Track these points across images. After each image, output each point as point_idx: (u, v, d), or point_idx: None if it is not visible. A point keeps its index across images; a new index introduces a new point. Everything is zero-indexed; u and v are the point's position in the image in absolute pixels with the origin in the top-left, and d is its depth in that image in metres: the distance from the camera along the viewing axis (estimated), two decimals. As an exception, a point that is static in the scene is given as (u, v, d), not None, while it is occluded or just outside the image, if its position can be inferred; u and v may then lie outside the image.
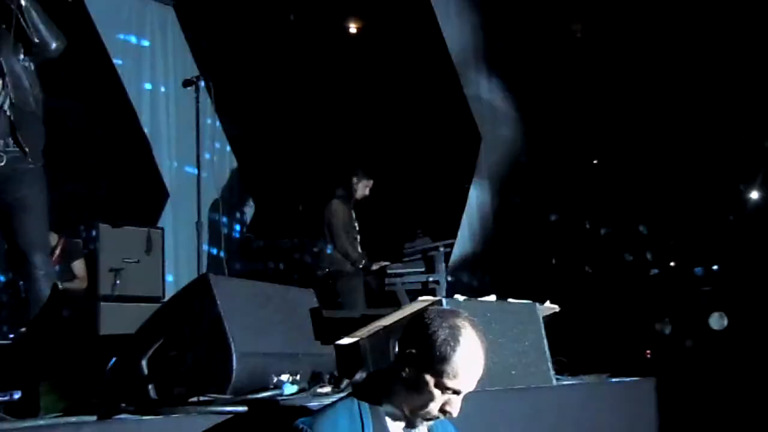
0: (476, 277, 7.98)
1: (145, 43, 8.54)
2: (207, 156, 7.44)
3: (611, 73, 7.55)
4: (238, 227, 9.34)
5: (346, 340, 4.00)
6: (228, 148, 9.19)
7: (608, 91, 7.58)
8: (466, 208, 8.03)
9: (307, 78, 8.48)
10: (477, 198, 8.15)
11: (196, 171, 6.47)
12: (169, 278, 7.35)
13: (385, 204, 7.74)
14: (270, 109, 8.73)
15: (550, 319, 4.62)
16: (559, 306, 4.67)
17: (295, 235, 8.64)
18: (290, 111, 8.68)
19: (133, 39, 8.44)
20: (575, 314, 6.04)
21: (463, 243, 7.90)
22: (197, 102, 6.45)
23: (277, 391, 3.38)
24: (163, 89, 8.55)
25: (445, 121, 8.03)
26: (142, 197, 8.10)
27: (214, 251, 7.77)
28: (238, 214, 9.32)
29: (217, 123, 8.71)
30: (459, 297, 4.24)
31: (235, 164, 9.24)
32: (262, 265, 8.68)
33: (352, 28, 8.76)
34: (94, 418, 3.05)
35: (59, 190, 5.44)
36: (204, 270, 6.86)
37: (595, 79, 7.61)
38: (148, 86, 8.48)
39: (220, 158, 8.96)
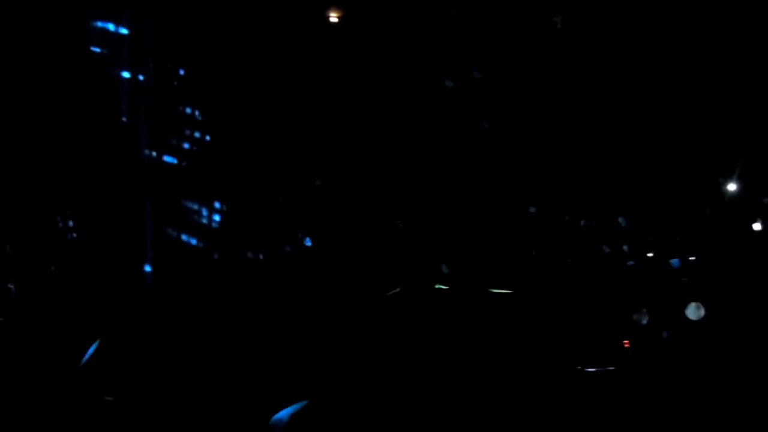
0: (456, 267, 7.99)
1: (123, 31, 8.45)
2: (186, 146, 7.41)
3: (591, 65, 7.58)
4: (217, 217, 9.29)
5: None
6: (207, 137, 9.12)
7: (589, 83, 7.60)
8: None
9: (287, 66, 8.42)
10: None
11: (175, 160, 6.44)
12: (148, 268, 7.31)
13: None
14: (249, 97, 8.66)
15: (529, 311, 4.64)
16: (539, 296, 4.69)
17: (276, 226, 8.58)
18: (270, 100, 8.61)
19: (110, 26, 8.36)
20: (555, 305, 6.07)
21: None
22: (175, 91, 6.40)
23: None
24: (141, 77, 8.47)
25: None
26: (122, 186, 8.02)
27: (194, 241, 7.74)
28: (217, 204, 9.27)
29: (196, 112, 8.64)
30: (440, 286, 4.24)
31: (214, 153, 9.16)
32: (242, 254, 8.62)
33: (333, 17, 8.70)
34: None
35: (37, 179, 5.39)
36: (182, 260, 6.83)
37: (576, 71, 7.63)
38: (125, 74, 8.40)
39: (199, 147, 8.90)
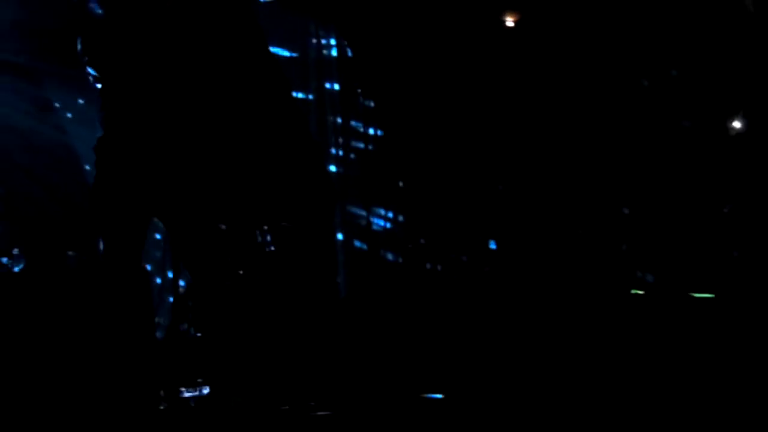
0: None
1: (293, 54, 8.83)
2: (352, 156, 7.76)
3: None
4: (387, 224, 9.51)
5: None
6: (389, 150, 9.30)
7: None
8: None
9: (464, 71, 8.40)
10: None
11: (339, 169, 6.71)
12: (339, 280, 7.61)
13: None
14: (427, 105, 8.73)
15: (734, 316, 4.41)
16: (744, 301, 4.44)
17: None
18: (449, 106, 8.60)
19: (289, 52, 8.76)
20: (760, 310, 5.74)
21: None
22: (358, 106, 6.63)
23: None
24: (326, 96, 8.80)
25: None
26: (312, 200, 8.32)
27: (358, 244, 8.15)
28: (382, 211, 9.47)
29: (361, 125, 8.85)
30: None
31: (396, 166, 9.34)
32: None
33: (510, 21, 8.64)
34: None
35: (240, 195, 5.74)
36: (347, 263, 7.19)
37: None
38: (310, 96, 8.74)
39: (382, 160, 9.11)
